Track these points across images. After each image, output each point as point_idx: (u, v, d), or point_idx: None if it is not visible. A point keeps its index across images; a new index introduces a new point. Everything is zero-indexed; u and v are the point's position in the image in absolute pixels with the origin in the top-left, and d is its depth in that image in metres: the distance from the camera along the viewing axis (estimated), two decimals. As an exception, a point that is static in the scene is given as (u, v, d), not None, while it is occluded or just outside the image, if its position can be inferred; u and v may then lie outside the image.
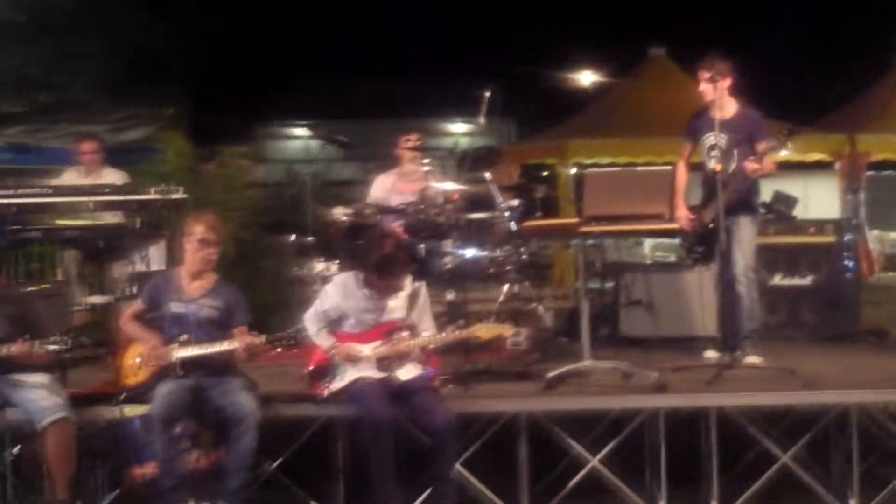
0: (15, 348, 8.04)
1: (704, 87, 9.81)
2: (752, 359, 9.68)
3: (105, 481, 8.78)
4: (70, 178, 11.85)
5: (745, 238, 9.78)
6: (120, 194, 10.84)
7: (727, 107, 9.80)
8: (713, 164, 9.68)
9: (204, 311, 8.37)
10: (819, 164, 22.38)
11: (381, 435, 7.87)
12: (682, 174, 10.10)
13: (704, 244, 9.97)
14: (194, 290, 8.44)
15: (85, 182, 11.45)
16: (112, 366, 8.72)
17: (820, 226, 13.25)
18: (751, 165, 9.45)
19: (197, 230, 8.37)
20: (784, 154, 10.47)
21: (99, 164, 11.96)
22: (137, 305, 8.64)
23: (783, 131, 9.55)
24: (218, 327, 8.35)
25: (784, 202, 13.37)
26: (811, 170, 22.71)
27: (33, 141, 19.23)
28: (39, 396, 8.12)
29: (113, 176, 11.74)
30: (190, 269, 8.45)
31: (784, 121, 19.98)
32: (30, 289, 10.01)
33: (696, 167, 10.24)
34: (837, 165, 21.65)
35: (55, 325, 8.37)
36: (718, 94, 9.74)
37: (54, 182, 11.63)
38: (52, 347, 8.08)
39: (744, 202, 9.71)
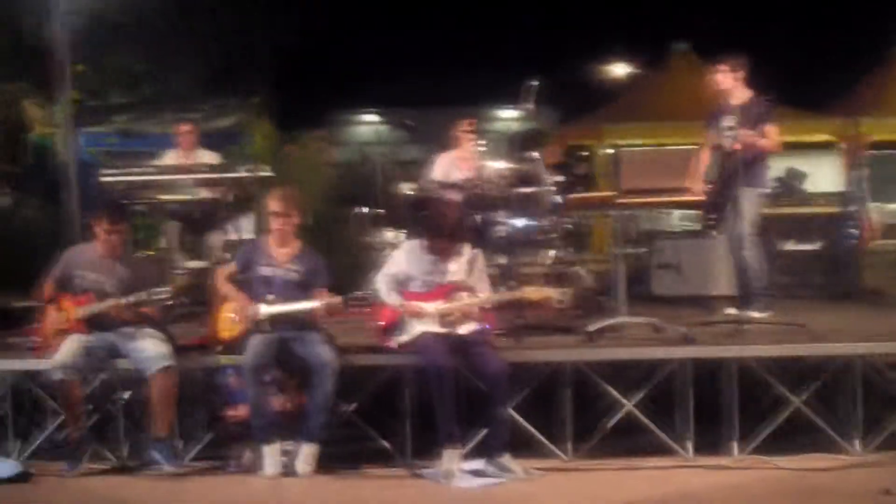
0: (125, 304, 8.13)
1: (721, 77, 9.96)
2: (761, 314, 9.66)
3: (203, 421, 8.82)
4: (170, 158, 11.84)
5: (748, 207, 9.74)
6: (214, 172, 10.92)
7: (741, 94, 9.87)
8: (727, 143, 9.70)
9: (289, 275, 8.40)
10: (826, 144, 22.31)
11: (443, 382, 7.87)
12: (704, 157, 10.02)
13: (715, 212, 9.96)
14: (281, 256, 8.46)
15: (183, 162, 11.49)
16: (209, 321, 8.75)
17: (827, 198, 13.21)
18: (749, 137, 9.44)
19: (269, 204, 8.44)
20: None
21: (194, 145, 11.95)
22: (231, 268, 8.68)
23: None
24: (301, 288, 8.37)
25: (795, 177, 13.38)
26: (819, 149, 22.61)
27: (138, 127, 19.30)
28: (148, 347, 8.20)
29: (207, 156, 11.73)
30: (276, 237, 8.47)
31: (794, 105, 19.96)
32: (138, 254, 10.07)
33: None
34: (842, 145, 21.58)
35: (160, 286, 8.41)
36: (734, 84, 9.91)
37: (156, 162, 11.69)
38: (157, 303, 8.17)
39: (749, 175, 9.63)
